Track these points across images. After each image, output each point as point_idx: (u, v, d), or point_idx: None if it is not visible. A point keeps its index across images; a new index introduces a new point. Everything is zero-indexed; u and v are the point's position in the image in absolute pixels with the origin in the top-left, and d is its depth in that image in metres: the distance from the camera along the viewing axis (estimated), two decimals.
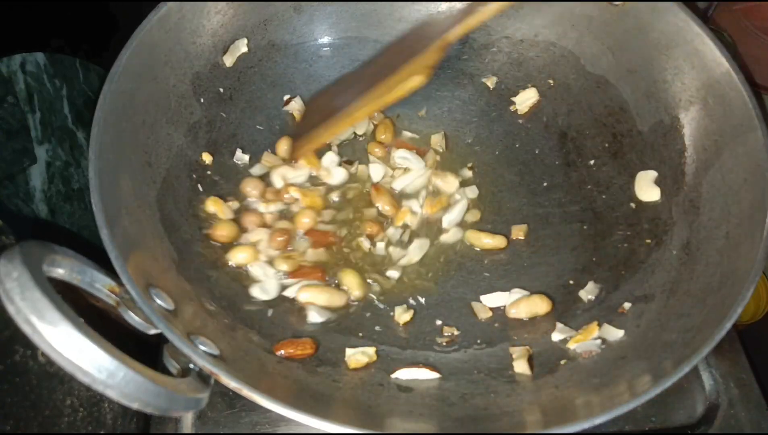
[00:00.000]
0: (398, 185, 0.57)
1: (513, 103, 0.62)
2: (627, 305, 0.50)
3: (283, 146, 0.58)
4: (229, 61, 0.58)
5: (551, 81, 0.61)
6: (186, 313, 0.44)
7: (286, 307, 0.51)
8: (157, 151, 0.51)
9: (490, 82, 0.62)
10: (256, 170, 0.57)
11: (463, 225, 0.56)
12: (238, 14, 0.57)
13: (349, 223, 0.55)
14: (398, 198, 0.57)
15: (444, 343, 0.50)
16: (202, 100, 0.56)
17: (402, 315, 0.51)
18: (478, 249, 0.55)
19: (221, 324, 0.46)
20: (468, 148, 0.60)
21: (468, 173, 0.59)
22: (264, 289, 0.51)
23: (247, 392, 0.38)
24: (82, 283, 0.39)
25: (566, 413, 0.43)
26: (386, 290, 0.53)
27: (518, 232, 0.56)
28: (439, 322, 0.51)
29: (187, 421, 0.50)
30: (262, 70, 0.60)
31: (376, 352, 0.48)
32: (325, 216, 0.55)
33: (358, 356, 0.48)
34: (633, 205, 0.55)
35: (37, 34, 0.60)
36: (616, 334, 0.48)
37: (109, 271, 0.40)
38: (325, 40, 0.62)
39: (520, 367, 0.47)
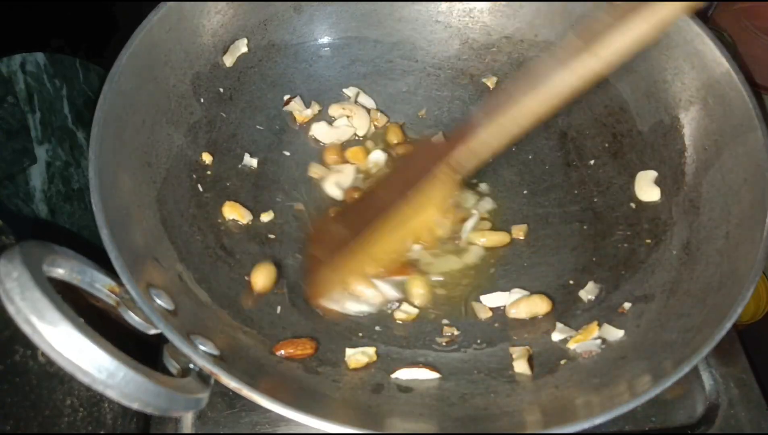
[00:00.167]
0: None
1: None
2: (627, 305, 0.50)
3: (332, 155, 0.58)
4: (229, 61, 0.58)
5: None
6: (186, 313, 0.44)
7: None
8: (157, 151, 0.51)
9: (490, 82, 0.62)
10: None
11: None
12: (238, 14, 0.57)
13: None
14: None
15: (444, 343, 0.50)
16: (202, 100, 0.56)
17: (402, 315, 0.51)
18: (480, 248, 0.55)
19: (221, 324, 0.46)
20: None
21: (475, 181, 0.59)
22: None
23: (247, 392, 0.38)
24: (82, 283, 0.39)
25: (566, 413, 0.43)
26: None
27: (518, 232, 0.56)
28: (439, 322, 0.51)
29: (187, 421, 0.50)
30: (262, 70, 0.60)
31: (376, 352, 0.48)
32: None
33: (358, 356, 0.48)
34: (633, 205, 0.55)
35: (37, 34, 0.60)
36: (616, 334, 0.48)
37: (109, 271, 0.40)
38: (325, 40, 0.62)
39: (520, 367, 0.47)
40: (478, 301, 0.52)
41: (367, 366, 0.48)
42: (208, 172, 0.55)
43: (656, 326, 0.47)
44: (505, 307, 0.52)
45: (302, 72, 0.61)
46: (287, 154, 0.59)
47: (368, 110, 0.61)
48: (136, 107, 0.50)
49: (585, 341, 0.48)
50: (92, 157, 0.44)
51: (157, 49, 0.52)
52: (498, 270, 0.54)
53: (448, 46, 0.63)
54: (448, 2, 0.62)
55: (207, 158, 0.56)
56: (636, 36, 0.40)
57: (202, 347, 0.41)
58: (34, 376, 0.40)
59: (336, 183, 0.57)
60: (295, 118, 0.61)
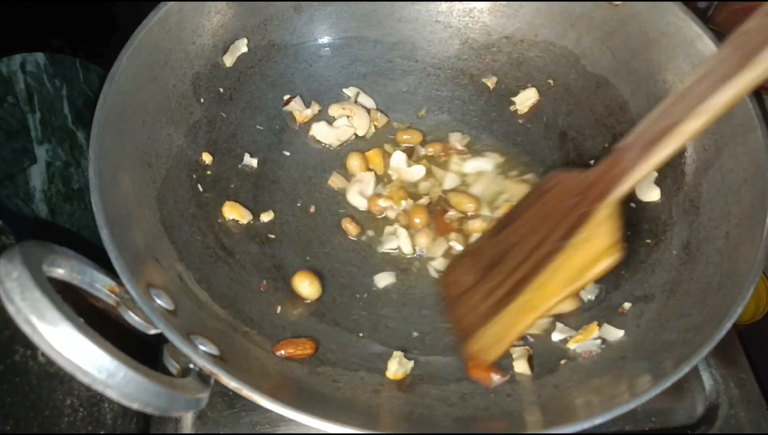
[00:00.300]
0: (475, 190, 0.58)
1: (513, 103, 0.62)
2: (627, 305, 0.50)
3: (354, 161, 0.58)
4: (229, 61, 0.58)
5: (551, 81, 0.61)
6: (186, 313, 0.44)
7: None
8: (157, 151, 0.51)
9: (490, 82, 0.62)
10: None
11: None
12: (238, 14, 0.57)
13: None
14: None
15: (445, 343, 0.50)
16: (202, 100, 0.56)
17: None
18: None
19: (221, 324, 0.46)
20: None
21: None
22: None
23: (247, 392, 0.38)
24: (82, 283, 0.39)
25: (566, 413, 0.43)
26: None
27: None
28: (440, 323, 0.51)
29: (187, 421, 0.50)
30: (262, 70, 0.60)
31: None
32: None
33: (395, 367, 0.47)
34: (633, 205, 0.55)
35: (37, 34, 0.60)
36: (616, 334, 0.48)
37: (109, 271, 0.40)
38: (325, 40, 0.62)
39: (520, 367, 0.47)
40: None
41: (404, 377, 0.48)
42: (208, 172, 0.55)
43: (656, 326, 0.47)
44: None
45: (302, 72, 0.61)
46: (287, 154, 0.59)
47: (368, 110, 0.61)
48: (136, 107, 0.50)
49: (585, 341, 0.48)
50: (92, 157, 0.44)
51: (157, 49, 0.52)
52: None
53: (448, 46, 0.63)
54: (448, 2, 0.62)
55: (207, 158, 0.56)
56: None
57: (202, 347, 0.41)
58: (34, 376, 0.40)
59: (359, 192, 0.57)
60: (295, 118, 0.61)
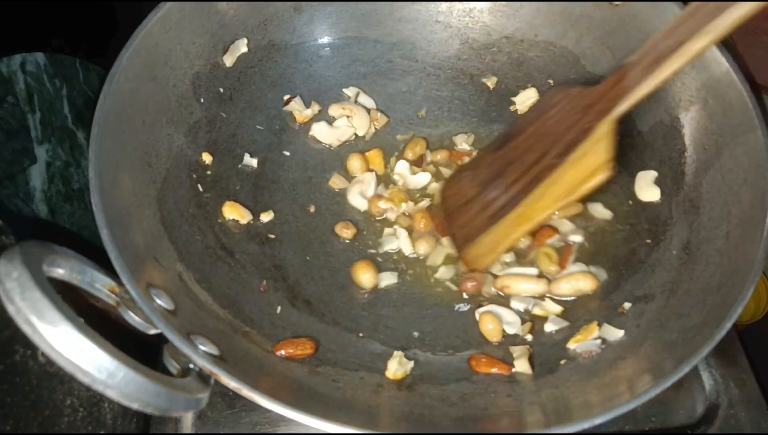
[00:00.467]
0: None
1: (513, 103, 0.62)
2: (627, 305, 0.50)
3: (354, 161, 0.58)
4: (229, 61, 0.58)
5: (551, 81, 0.61)
6: (186, 313, 0.44)
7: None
8: (157, 151, 0.51)
9: (490, 82, 0.62)
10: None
11: None
12: (238, 14, 0.57)
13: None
14: None
15: (446, 343, 0.50)
16: (202, 100, 0.56)
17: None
18: None
19: (221, 324, 0.46)
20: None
21: None
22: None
23: (247, 392, 0.38)
24: (82, 283, 0.39)
25: (566, 413, 0.43)
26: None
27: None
28: (440, 324, 0.51)
29: (187, 421, 0.50)
30: (262, 70, 0.60)
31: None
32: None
33: (395, 367, 0.47)
34: (633, 205, 0.55)
35: (37, 34, 0.60)
36: (616, 334, 0.48)
37: (109, 271, 0.40)
38: (325, 40, 0.62)
39: (521, 366, 0.47)
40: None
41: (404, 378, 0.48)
42: (208, 172, 0.55)
43: (656, 326, 0.47)
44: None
45: (302, 72, 0.61)
46: (287, 154, 0.59)
47: (368, 110, 0.61)
48: (136, 107, 0.50)
49: (585, 341, 0.48)
50: (92, 157, 0.44)
51: (157, 49, 0.52)
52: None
53: (448, 46, 0.63)
54: (448, 2, 0.62)
55: (207, 158, 0.56)
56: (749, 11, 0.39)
57: (202, 347, 0.41)
58: (34, 376, 0.40)
59: (360, 193, 0.57)
60: (295, 118, 0.61)
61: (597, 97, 0.46)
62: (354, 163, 0.59)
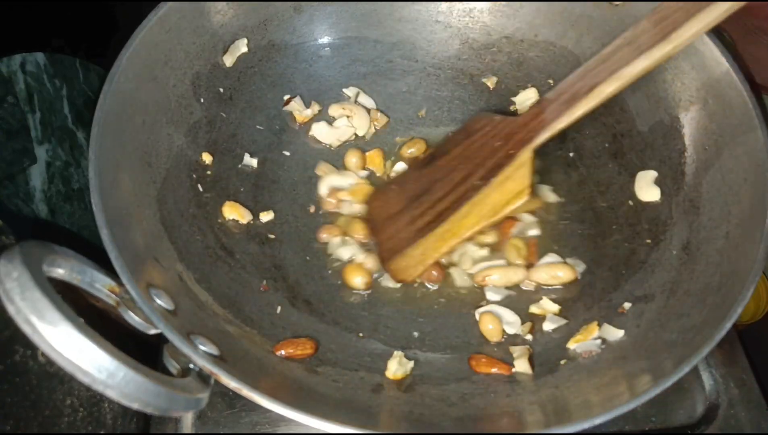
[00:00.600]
0: None
1: (513, 103, 0.62)
2: (627, 305, 0.50)
3: (352, 157, 0.58)
4: (229, 61, 0.58)
5: (551, 81, 0.61)
6: (186, 313, 0.44)
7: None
8: (157, 151, 0.51)
9: (490, 82, 0.62)
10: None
11: None
12: (238, 14, 0.57)
13: None
14: None
15: (446, 343, 0.50)
16: (202, 100, 0.56)
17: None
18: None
19: (221, 324, 0.46)
20: None
21: None
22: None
23: (247, 392, 0.38)
24: (82, 283, 0.39)
25: (566, 413, 0.43)
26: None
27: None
28: (440, 324, 0.51)
29: (187, 421, 0.50)
30: (262, 70, 0.60)
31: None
32: None
33: (395, 367, 0.47)
34: (633, 204, 0.55)
35: (37, 34, 0.60)
36: (616, 334, 0.48)
37: (109, 271, 0.40)
38: (325, 40, 0.62)
39: (521, 366, 0.47)
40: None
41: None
42: (208, 172, 0.55)
43: (656, 326, 0.47)
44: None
45: (302, 72, 0.61)
46: (287, 154, 0.59)
47: (368, 110, 0.61)
48: (136, 107, 0.50)
49: (585, 341, 0.48)
50: (92, 157, 0.44)
51: (157, 49, 0.52)
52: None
53: (448, 46, 0.63)
54: (448, 2, 0.62)
55: (207, 158, 0.56)
56: (711, 23, 0.43)
57: (202, 347, 0.41)
58: (34, 376, 0.40)
59: (329, 185, 0.57)
60: (295, 118, 0.61)
61: (518, 127, 0.51)
62: (351, 159, 0.59)
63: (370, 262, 0.53)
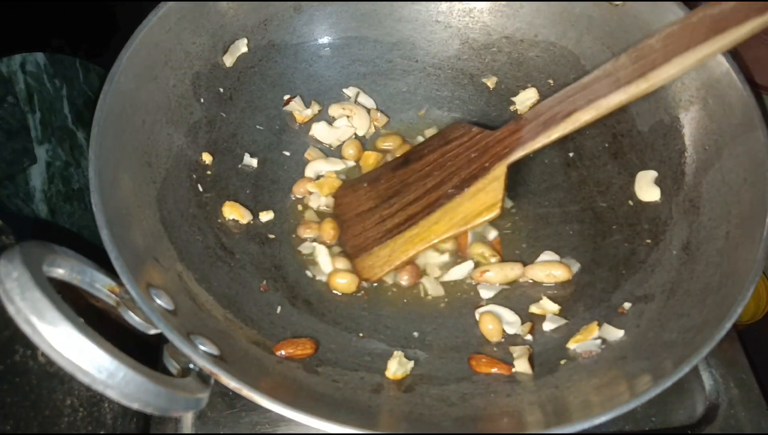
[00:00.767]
0: None
1: (513, 103, 0.62)
2: (627, 305, 0.50)
3: (350, 149, 0.59)
4: (229, 61, 0.58)
5: (551, 81, 0.61)
6: (186, 313, 0.44)
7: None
8: (157, 151, 0.51)
9: (490, 82, 0.62)
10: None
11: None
12: (238, 14, 0.57)
13: None
14: None
15: (446, 343, 0.50)
16: (202, 100, 0.56)
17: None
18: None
19: (221, 324, 0.46)
20: None
21: None
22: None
23: (247, 392, 0.38)
24: (82, 283, 0.39)
25: (566, 413, 0.43)
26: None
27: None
28: (440, 324, 0.51)
29: (187, 421, 0.50)
30: (262, 70, 0.60)
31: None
32: None
33: (395, 367, 0.47)
34: (633, 204, 0.55)
35: (37, 34, 0.60)
36: (616, 334, 0.48)
37: (109, 271, 0.40)
38: (325, 40, 0.62)
39: (521, 366, 0.47)
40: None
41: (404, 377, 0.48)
42: (208, 172, 0.55)
43: (656, 326, 0.47)
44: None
45: (302, 72, 0.61)
46: (287, 154, 0.59)
47: (368, 110, 0.61)
48: (136, 107, 0.50)
49: (585, 341, 0.48)
50: (92, 157, 0.44)
51: (157, 49, 0.52)
52: None
53: (448, 46, 0.63)
54: (448, 2, 0.62)
55: (207, 158, 0.56)
56: (688, 67, 0.44)
57: (202, 347, 0.41)
58: (34, 376, 0.40)
59: (315, 170, 0.58)
60: (295, 118, 0.61)
61: (495, 142, 0.52)
62: (349, 150, 0.59)
63: (344, 263, 0.54)
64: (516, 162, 0.51)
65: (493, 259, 0.54)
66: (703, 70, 0.52)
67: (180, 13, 0.53)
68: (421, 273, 0.54)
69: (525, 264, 0.53)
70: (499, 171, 0.50)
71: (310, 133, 0.60)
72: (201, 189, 0.54)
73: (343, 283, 0.52)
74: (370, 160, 0.59)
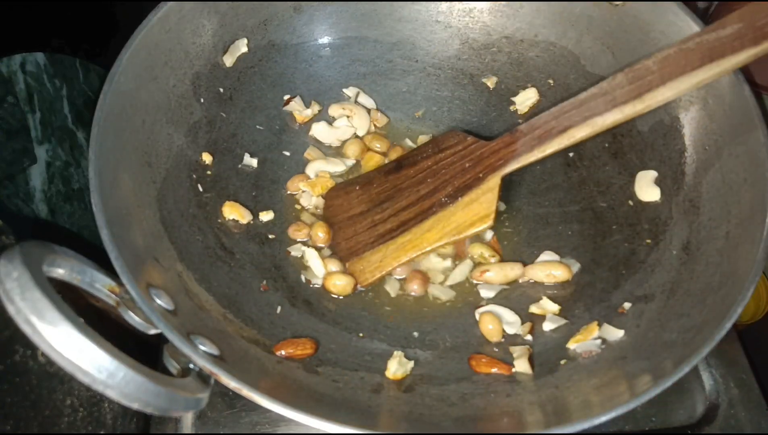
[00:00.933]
0: None
1: (513, 103, 0.62)
2: (627, 305, 0.50)
3: (352, 148, 0.59)
4: (229, 61, 0.58)
5: (551, 81, 0.61)
6: (186, 313, 0.44)
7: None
8: (157, 151, 0.51)
9: (490, 82, 0.62)
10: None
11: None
12: (238, 14, 0.57)
13: None
14: None
15: (446, 343, 0.50)
16: (202, 100, 0.56)
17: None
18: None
19: (221, 324, 0.46)
20: None
21: None
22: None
23: (247, 392, 0.38)
24: (82, 283, 0.39)
25: (566, 413, 0.43)
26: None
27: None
28: (440, 324, 0.51)
29: (187, 421, 0.50)
30: (262, 70, 0.60)
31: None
32: None
33: (395, 367, 0.47)
34: (633, 204, 0.55)
35: (37, 34, 0.60)
36: (616, 334, 0.48)
37: (109, 271, 0.40)
38: (325, 40, 0.62)
39: (521, 366, 0.47)
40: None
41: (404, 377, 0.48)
42: (208, 172, 0.55)
43: (656, 326, 0.47)
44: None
45: (302, 72, 0.61)
46: (287, 154, 0.59)
47: (368, 110, 0.61)
48: (136, 107, 0.50)
49: (585, 341, 0.48)
50: (92, 157, 0.44)
51: (157, 49, 0.52)
52: None
53: (448, 46, 0.63)
54: (448, 2, 0.62)
55: (207, 158, 0.56)
56: (683, 90, 0.46)
57: (202, 347, 0.41)
58: (34, 376, 0.40)
59: (315, 170, 0.58)
60: (295, 118, 0.61)
61: (490, 153, 0.52)
62: (351, 148, 0.59)
63: (337, 265, 0.53)
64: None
65: (492, 259, 0.54)
66: None
67: (180, 13, 0.53)
68: (428, 281, 0.53)
69: (525, 264, 0.53)
70: (493, 182, 0.51)
71: (310, 133, 0.60)
72: (201, 189, 0.54)
73: (340, 284, 0.52)
74: (373, 160, 0.59)
